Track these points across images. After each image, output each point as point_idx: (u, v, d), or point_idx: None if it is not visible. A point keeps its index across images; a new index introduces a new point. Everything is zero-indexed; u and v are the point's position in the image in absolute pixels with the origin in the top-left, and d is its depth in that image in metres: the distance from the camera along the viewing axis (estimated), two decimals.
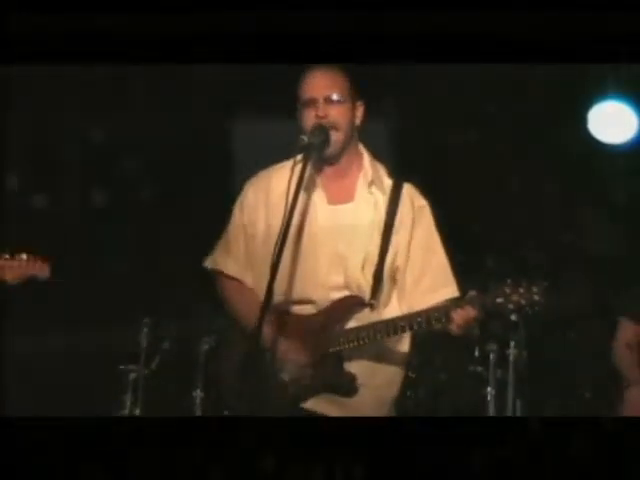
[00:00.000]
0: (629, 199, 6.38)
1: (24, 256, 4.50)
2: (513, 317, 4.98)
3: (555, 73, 5.85)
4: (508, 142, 6.26)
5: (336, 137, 3.74)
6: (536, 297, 3.67)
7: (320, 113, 3.72)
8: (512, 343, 5.61)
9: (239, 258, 3.97)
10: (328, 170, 3.81)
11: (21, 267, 4.45)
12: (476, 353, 5.74)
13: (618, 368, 5.20)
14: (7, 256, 4.45)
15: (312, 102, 3.73)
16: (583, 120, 5.94)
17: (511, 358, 5.62)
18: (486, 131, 6.34)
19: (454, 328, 3.71)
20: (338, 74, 3.81)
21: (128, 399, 5.56)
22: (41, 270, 4.39)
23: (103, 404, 5.75)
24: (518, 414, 5.67)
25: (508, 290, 3.66)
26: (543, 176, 6.41)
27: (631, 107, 5.75)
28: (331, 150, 3.75)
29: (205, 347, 5.33)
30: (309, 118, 3.73)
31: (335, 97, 3.74)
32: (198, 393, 5.35)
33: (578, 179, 6.27)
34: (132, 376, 5.56)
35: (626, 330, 5.11)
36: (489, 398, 5.58)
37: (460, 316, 3.67)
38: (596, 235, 6.50)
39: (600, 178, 6.27)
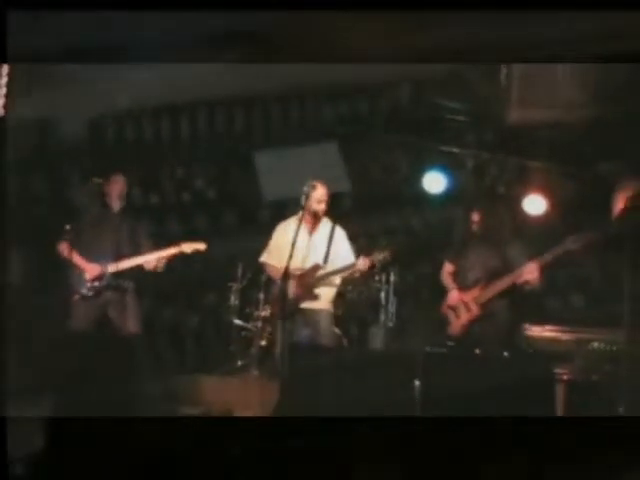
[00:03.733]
0: None
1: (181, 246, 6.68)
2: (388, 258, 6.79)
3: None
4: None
5: (320, 209, 7.02)
6: (394, 252, 6.81)
7: (317, 204, 6.95)
8: (392, 273, 8.29)
9: (274, 255, 7.13)
10: (311, 220, 7.07)
11: (177, 247, 6.69)
12: (376, 277, 8.34)
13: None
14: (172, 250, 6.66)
15: (314, 200, 6.92)
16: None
17: (392, 280, 8.34)
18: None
19: (360, 271, 6.88)
20: (325, 188, 6.94)
21: (231, 298, 8.48)
22: (198, 244, 6.89)
23: (221, 302, 8.56)
24: (393, 307, 8.11)
25: (380, 252, 6.83)
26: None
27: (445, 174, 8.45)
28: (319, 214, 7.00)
29: (264, 278, 7.96)
30: (311, 204, 6.94)
31: (323, 198, 7.00)
32: (261, 295, 8.05)
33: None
34: (234, 288, 8.56)
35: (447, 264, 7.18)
36: (382, 297, 8.31)
37: (363, 265, 6.90)
38: None
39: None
